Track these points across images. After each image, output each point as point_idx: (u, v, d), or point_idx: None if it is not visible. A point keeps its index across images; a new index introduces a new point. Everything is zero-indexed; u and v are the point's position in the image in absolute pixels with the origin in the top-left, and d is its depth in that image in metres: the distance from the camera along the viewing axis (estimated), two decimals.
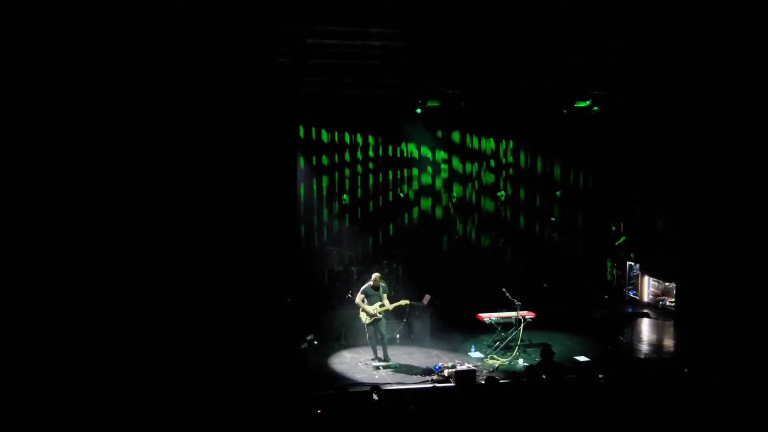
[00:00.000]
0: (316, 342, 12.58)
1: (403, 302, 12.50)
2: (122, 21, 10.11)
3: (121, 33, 10.34)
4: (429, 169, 16.71)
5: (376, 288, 12.31)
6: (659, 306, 15.69)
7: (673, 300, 15.40)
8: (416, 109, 14.30)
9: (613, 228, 16.80)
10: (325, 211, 16.01)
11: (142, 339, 11.02)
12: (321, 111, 14.75)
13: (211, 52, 11.27)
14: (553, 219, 16.88)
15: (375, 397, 8.86)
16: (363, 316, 12.30)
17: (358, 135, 16.17)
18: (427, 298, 13.64)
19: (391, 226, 16.49)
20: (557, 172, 17.17)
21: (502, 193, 16.59)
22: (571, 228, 17.26)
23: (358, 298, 12.33)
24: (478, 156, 16.98)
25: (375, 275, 12.48)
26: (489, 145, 16.98)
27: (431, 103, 14.27)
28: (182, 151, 12.02)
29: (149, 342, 11.03)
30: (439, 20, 11.18)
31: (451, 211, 16.63)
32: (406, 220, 16.49)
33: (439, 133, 16.61)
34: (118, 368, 10.30)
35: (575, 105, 14.73)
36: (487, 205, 17.00)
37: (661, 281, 15.97)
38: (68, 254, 10.81)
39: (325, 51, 12.12)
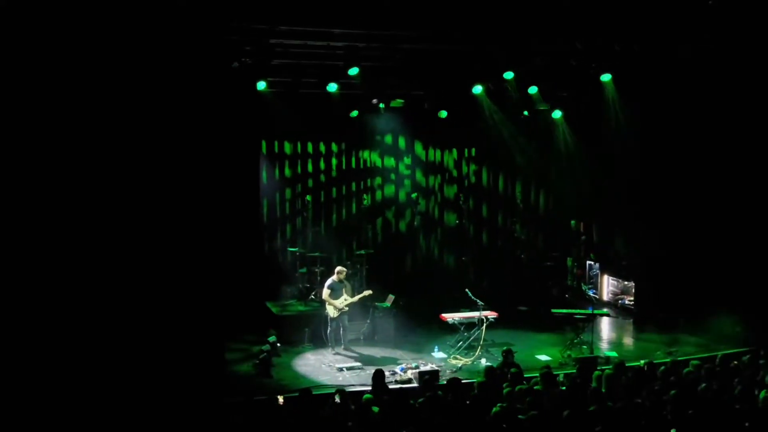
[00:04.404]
0: (278, 344, 12.50)
1: (366, 293, 12.82)
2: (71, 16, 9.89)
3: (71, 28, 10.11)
4: (392, 176, 16.68)
5: (340, 282, 12.63)
6: (618, 304, 15.94)
7: (632, 299, 15.67)
8: (380, 104, 14.28)
9: (573, 224, 17.00)
10: (288, 206, 15.90)
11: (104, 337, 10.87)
12: (282, 114, 14.47)
13: (170, 48, 11.07)
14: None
15: (337, 399, 8.87)
16: (330, 310, 12.54)
17: (321, 144, 16.02)
18: (390, 298, 13.65)
19: (354, 227, 16.42)
20: (518, 189, 17.35)
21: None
22: (532, 227, 17.43)
23: (325, 293, 12.56)
24: (440, 168, 17.06)
25: (339, 268, 12.79)
26: (452, 156, 17.02)
27: (395, 103, 14.30)
28: (137, 150, 11.74)
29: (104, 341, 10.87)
30: (402, 21, 11.22)
31: (417, 202, 16.62)
32: (372, 225, 16.43)
33: (402, 142, 16.56)
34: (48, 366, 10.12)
35: (537, 107, 14.91)
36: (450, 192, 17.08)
37: (620, 280, 16.23)
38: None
39: (288, 51, 12.06)
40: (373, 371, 9.65)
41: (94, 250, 11.23)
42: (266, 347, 12.06)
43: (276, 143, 15.57)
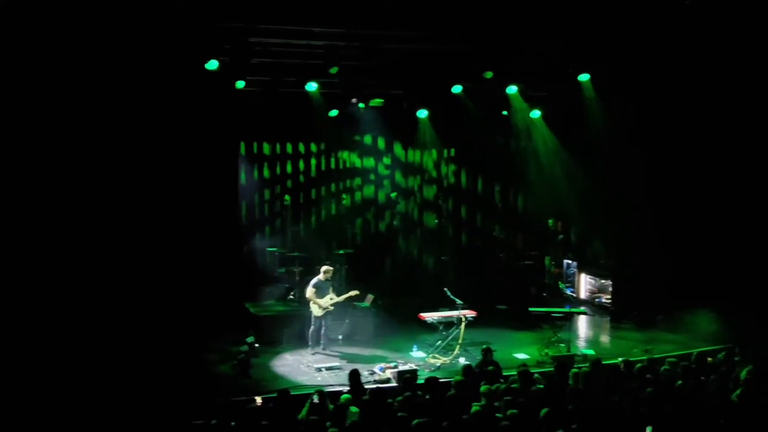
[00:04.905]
0: (257, 345, 12.45)
1: (352, 293, 12.83)
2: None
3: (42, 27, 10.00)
4: (372, 177, 16.65)
5: (326, 281, 12.64)
6: (595, 303, 16.07)
7: (609, 297, 15.81)
8: (359, 104, 14.27)
9: (551, 224, 17.10)
10: (267, 208, 15.83)
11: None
12: (261, 114, 14.36)
13: (146, 47, 10.97)
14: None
15: (316, 399, 8.85)
16: (315, 309, 12.53)
17: (300, 144, 15.93)
18: (369, 298, 13.65)
19: (334, 228, 16.37)
20: (497, 189, 17.40)
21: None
22: (511, 227, 17.51)
23: (310, 291, 12.53)
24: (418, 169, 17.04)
25: (324, 268, 12.75)
26: (431, 157, 17.01)
27: (374, 103, 14.31)
28: (110, 151, 11.62)
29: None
30: (382, 20, 11.23)
31: (396, 202, 16.63)
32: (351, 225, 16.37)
33: (381, 143, 16.54)
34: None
35: (516, 107, 15.00)
36: (429, 193, 17.08)
37: (597, 279, 16.37)
38: None
39: (267, 50, 12.01)
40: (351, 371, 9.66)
41: (69, 250, 11.13)
42: (244, 348, 12.00)
43: (255, 144, 15.46)
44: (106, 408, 9.21)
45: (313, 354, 12.50)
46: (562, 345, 12.71)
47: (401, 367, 11.39)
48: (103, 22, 10.31)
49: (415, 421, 7.49)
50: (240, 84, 12.69)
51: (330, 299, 12.59)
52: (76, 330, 11.04)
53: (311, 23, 11.37)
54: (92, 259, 11.45)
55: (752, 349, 10.64)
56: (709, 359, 10.49)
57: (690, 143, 13.72)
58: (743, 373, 9.20)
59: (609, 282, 15.83)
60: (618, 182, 14.90)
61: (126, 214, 11.79)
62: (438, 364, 12.08)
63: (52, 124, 11.12)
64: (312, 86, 13.21)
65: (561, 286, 16.72)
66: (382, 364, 11.71)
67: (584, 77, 13.68)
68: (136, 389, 9.88)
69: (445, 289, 13.02)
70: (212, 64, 11.62)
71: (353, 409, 8.45)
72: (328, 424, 7.90)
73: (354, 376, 9.65)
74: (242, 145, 15.08)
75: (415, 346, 12.85)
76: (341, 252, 15.09)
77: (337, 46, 12.12)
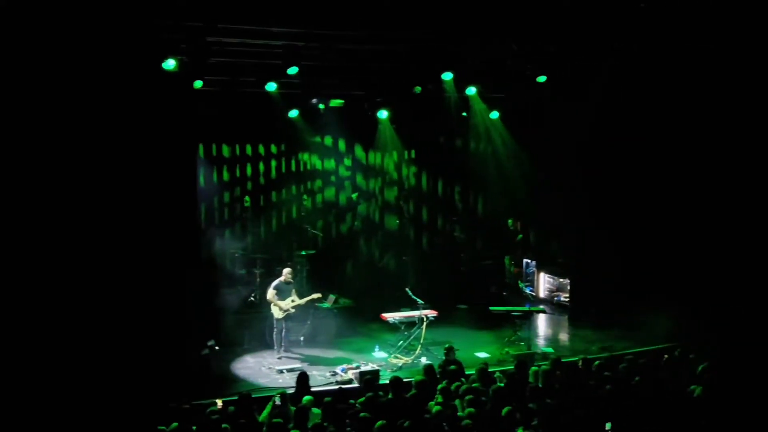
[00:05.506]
0: (217, 347, 12.31)
1: (314, 296, 12.81)
2: None
3: None
4: (332, 178, 16.59)
5: (287, 283, 12.53)
6: (554, 301, 16.28)
7: (567, 295, 16.02)
8: (319, 104, 14.22)
9: (510, 223, 17.27)
10: (227, 210, 15.66)
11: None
12: (220, 115, 14.16)
13: (97, 45, 10.72)
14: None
15: (277, 401, 8.80)
16: (275, 311, 12.44)
17: (260, 146, 15.77)
18: (331, 299, 13.61)
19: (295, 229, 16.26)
20: (457, 190, 17.48)
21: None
22: (472, 226, 17.62)
23: (270, 293, 12.45)
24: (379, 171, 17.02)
25: (286, 270, 12.71)
26: (392, 158, 17.02)
27: (335, 103, 14.25)
28: (59, 155, 11.23)
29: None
30: (341, 21, 11.20)
31: (357, 202, 16.60)
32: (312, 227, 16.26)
33: (342, 145, 16.51)
34: None
35: (475, 108, 15.10)
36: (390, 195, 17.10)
37: (555, 278, 16.58)
38: None
39: (225, 50, 11.88)
40: (313, 372, 9.61)
41: (12, 256, 10.79)
42: (205, 351, 11.86)
43: (214, 146, 15.24)
44: (63, 411, 9.02)
45: (279, 357, 12.39)
46: (522, 343, 12.84)
47: (363, 368, 11.38)
48: (52, 18, 10.06)
49: (378, 423, 7.49)
50: (198, 84, 12.50)
51: (291, 301, 12.51)
52: (20, 335, 10.73)
53: (270, 23, 11.28)
54: (38, 264, 11.07)
55: (706, 345, 10.86)
56: (666, 356, 10.71)
57: (648, 143, 13.94)
58: (699, 369, 9.43)
59: (567, 281, 16.05)
60: (576, 183, 15.09)
61: (77, 219, 11.42)
62: (400, 364, 12.11)
63: None
64: (272, 86, 13.10)
65: (521, 285, 16.89)
66: (344, 365, 11.68)
67: (541, 78, 13.80)
68: (94, 394, 9.69)
69: (407, 289, 13.08)
70: (169, 64, 11.44)
71: (315, 410, 8.42)
72: (290, 425, 7.86)
73: (302, 379, 9.62)
74: (201, 147, 14.87)
75: (377, 347, 12.86)
76: (303, 253, 15.01)
77: (296, 46, 12.04)
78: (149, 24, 10.75)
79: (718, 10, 11.62)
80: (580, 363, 10.21)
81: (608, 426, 7.89)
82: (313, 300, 12.82)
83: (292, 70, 12.41)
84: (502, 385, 9.17)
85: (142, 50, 11.17)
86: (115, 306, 11.22)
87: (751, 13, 11.56)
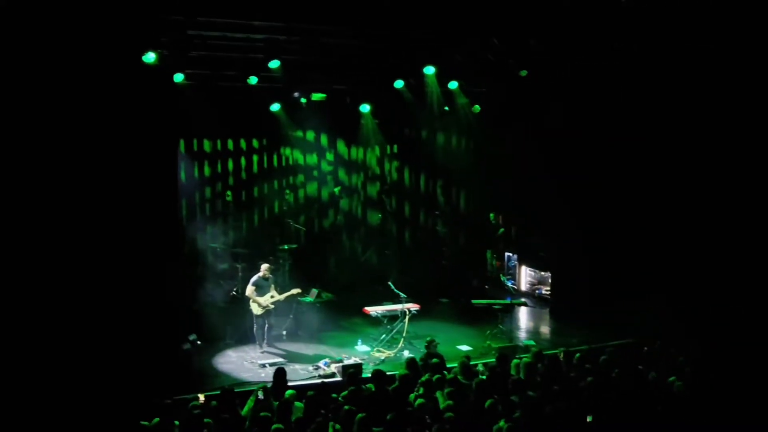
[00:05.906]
0: (199, 342, 12.26)
1: (294, 291, 12.80)
2: None
3: None
4: (315, 173, 16.53)
5: (266, 279, 12.50)
6: (536, 294, 16.38)
7: (548, 288, 16.13)
8: (301, 98, 14.17)
9: (492, 217, 17.34)
10: (208, 206, 15.57)
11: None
12: (201, 109, 14.03)
13: (74, 38, 10.59)
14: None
15: (260, 395, 8.79)
16: (255, 308, 12.41)
17: (242, 140, 15.68)
18: (313, 292, 13.60)
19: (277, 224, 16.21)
20: (439, 184, 17.47)
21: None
22: (454, 220, 17.67)
23: (249, 290, 12.41)
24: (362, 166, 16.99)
25: (264, 266, 12.70)
26: (374, 153, 16.99)
27: (316, 97, 14.21)
28: (36, 150, 11.08)
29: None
30: (323, 14, 11.17)
31: (339, 197, 16.57)
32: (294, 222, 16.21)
33: (324, 140, 16.45)
34: None
35: (457, 103, 15.11)
36: (372, 191, 17.08)
37: (537, 271, 16.68)
38: None
39: (207, 43, 11.80)
40: (295, 366, 9.60)
41: None
42: (187, 346, 11.82)
43: (195, 141, 15.14)
44: (45, 408, 8.95)
45: (262, 352, 12.39)
46: (504, 336, 12.91)
47: (346, 362, 11.39)
48: (30, 10, 9.93)
49: (359, 416, 7.52)
50: (179, 77, 12.40)
51: (271, 297, 12.48)
52: (5, 326, 10.62)
53: (251, 16, 11.22)
54: (15, 259, 10.93)
55: (685, 339, 10.98)
56: (646, 349, 10.82)
57: (628, 139, 14.01)
58: (680, 360, 9.54)
59: (548, 274, 16.15)
60: (557, 177, 15.15)
61: (56, 214, 11.28)
62: (382, 358, 12.14)
63: None
64: (253, 80, 13.03)
65: (502, 278, 16.98)
66: (327, 359, 11.69)
67: (523, 73, 13.85)
68: (75, 389, 9.63)
69: (389, 283, 13.10)
70: (149, 57, 11.35)
71: (298, 404, 8.43)
72: (273, 419, 7.86)
73: (279, 373, 9.60)
74: (182, 142, 14.77)
75: (359, 340, 12.88)
76: (285, 248, 14.97)
77: (278, 39, 11.99)
78: (129, 17, 10.64)
79: (699, 4, 11.71)
80: (562, 355, 10.29)
81: (589, 418, 7.97)
82: (292, 295, 12.79)
83: (274, 64, 12.37)
84: (484, 377, 9.24)
85: (122, 43, 11.05)
86: (96, 301, 11.12)
87: (737, 11, 11.64)
